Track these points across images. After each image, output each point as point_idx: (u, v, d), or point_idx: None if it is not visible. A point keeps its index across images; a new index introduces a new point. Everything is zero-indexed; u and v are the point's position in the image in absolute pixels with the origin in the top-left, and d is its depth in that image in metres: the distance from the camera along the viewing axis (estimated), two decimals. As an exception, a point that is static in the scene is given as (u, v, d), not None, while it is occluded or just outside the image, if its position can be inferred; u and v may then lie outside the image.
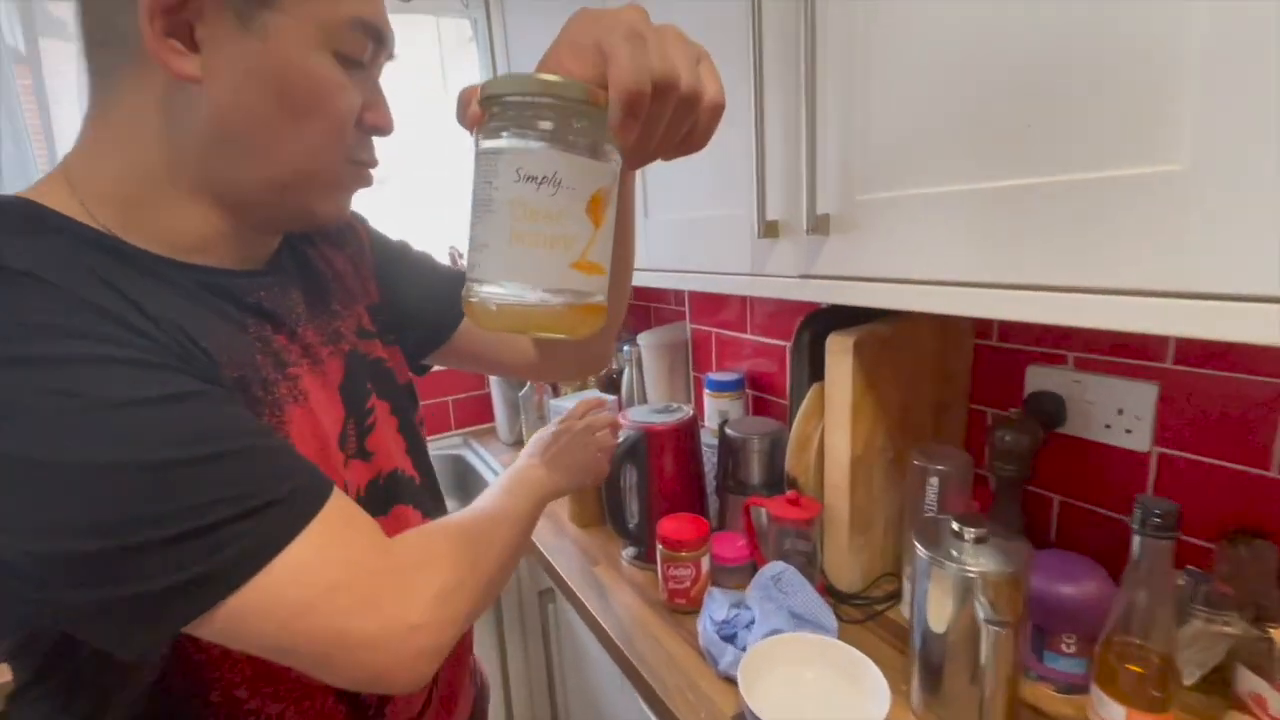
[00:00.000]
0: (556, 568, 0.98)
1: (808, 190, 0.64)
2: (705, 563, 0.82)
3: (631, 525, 0.94)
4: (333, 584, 0.38)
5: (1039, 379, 0.81)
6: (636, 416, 0.94)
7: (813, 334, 0.84)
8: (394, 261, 0.67)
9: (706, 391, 1.09)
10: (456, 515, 0.52)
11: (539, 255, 0.35)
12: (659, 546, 0.83)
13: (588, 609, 0.87)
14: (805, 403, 0.84)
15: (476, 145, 0.36)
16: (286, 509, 0.38)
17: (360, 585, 0.39)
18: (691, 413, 0.95)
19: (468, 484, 1.50)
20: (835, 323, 0.81)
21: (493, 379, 1.55)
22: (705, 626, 0.74)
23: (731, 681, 0.70)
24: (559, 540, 1.06)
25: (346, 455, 0.51)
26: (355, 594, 0.38)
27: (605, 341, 0.72)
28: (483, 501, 0.55)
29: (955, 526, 0.60)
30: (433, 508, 0.62)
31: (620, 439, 0.90)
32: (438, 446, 1.59)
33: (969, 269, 0.53)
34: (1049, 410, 0.78)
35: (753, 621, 0.74)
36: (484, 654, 1.17)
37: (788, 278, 0.73)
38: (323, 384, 0.51)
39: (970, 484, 0.74)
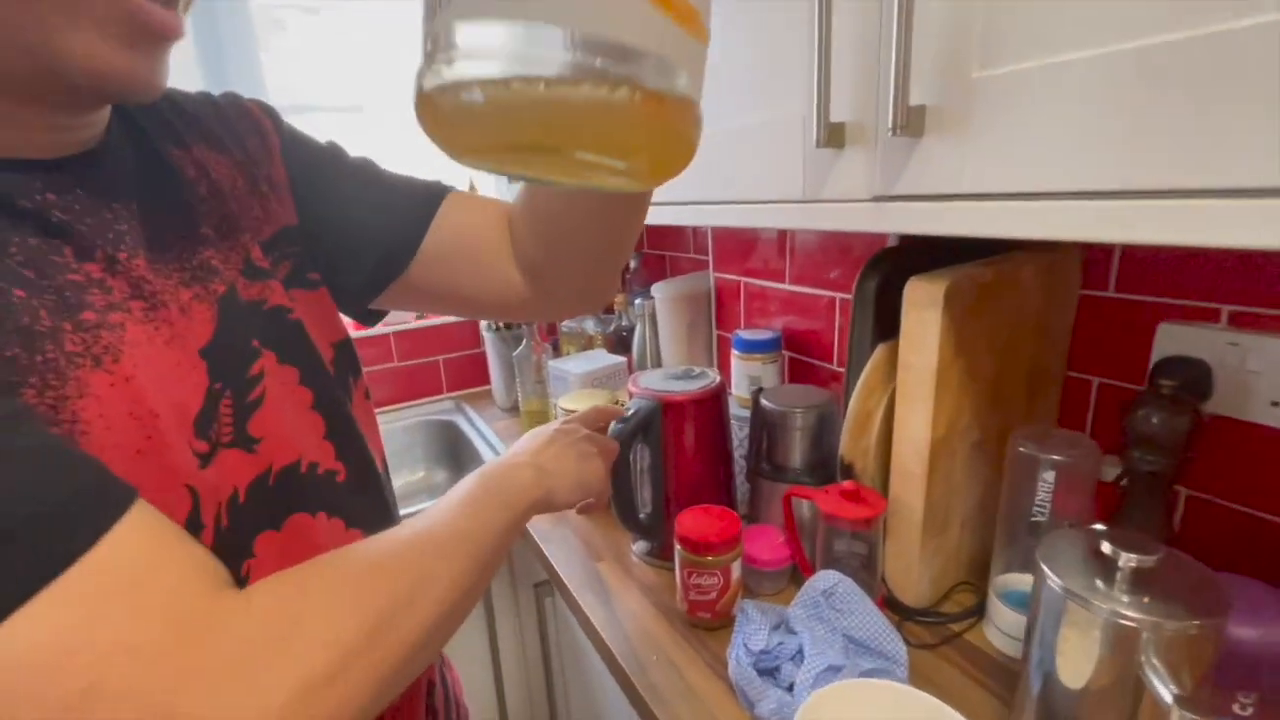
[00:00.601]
0: (553, 562, 0.82)
1: (898, 71, 0.45)
2: (736, 569, 0.65)
3: (643, 516, 0.77)
4: (90, 686, 0.21)
5: (1174, 340, 0.61)
6: (650, 383, 0.76)
7: (883, 280, 0.65)
8: (321, 170, 0.49)
9: (734, 353, 0.91)
10: (383, 537, 0.34)
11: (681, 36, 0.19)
12: (678, 548, 0.66)
13: (589, 619, 0.70)
14: (868, 369, 0.66)
15: None
16: (13, 554, 0.20)
17: (149, 686, 0.22)
18: (719, 379, 0.77)
19: (459, 453, 1.34)
20: (910, 266, 0.62)
21: (486, 335, 1.37)
22: (739, 657, 0.57)
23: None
24: (556, 527, 0.90)
25: (213, 443, 0.34)
26: (137, 703, 0.21)
27: (620, 251, 0.52)
28: (433, 515, 0.38)
29: (1107, 548, 0.42)
30: (368, 513, 0.45)
31: (630, 410, 0.72)
32: (425, 412, 1.43)
33: (1139, 170, 0.34)
34: (1190, 382, 0.59)
35: (800, 651, 0.57)
36: (472, 652, 1.03)
37: (856, 202, 0.54)
38: (169, 339, 0.33)
39: (1095, 481, 0.56)
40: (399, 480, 1.35)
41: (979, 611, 0.66)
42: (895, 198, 0.51)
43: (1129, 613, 0.40)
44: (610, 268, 0.53)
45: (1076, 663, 0.43)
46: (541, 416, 1.15)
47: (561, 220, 0.48)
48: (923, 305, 0.57)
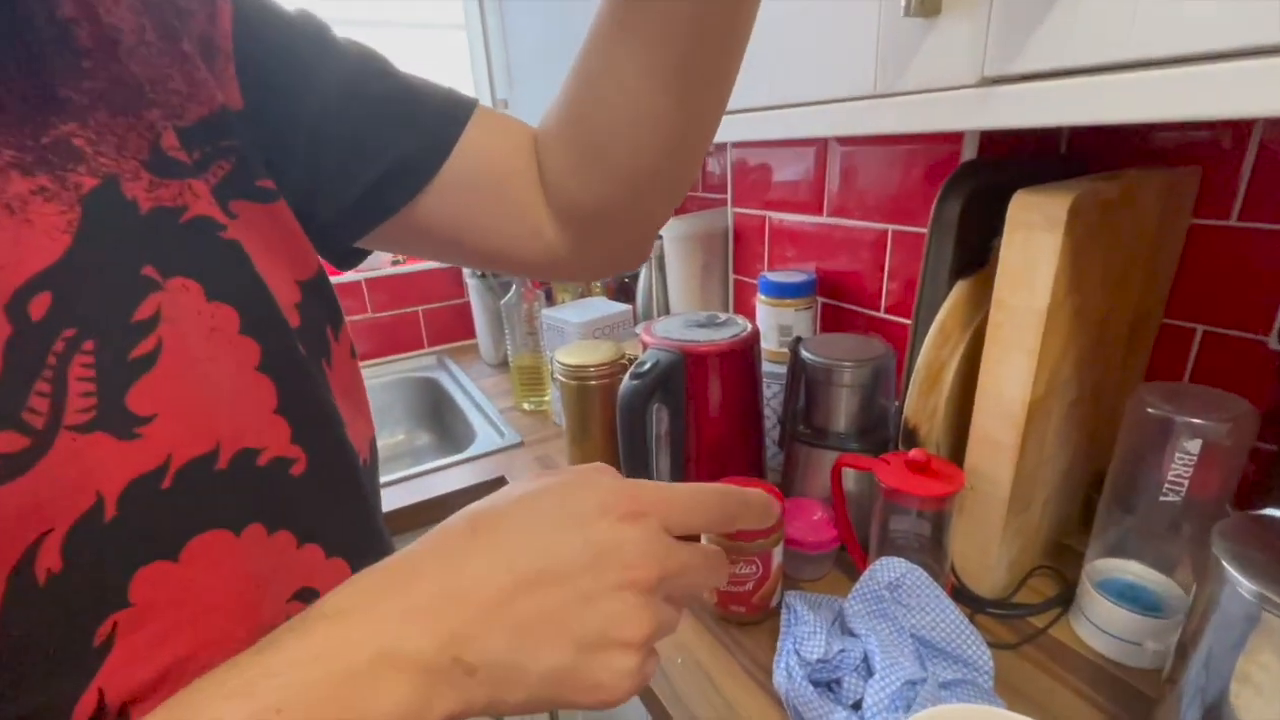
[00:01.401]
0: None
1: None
2: (777, 555, 0.54)
3: (660, 488, 0.65)
4: None
5: None
6: (669, 332, 0.64)
7: (969, 199, 0.52)
8: (293, 47, 0.35)
9: (760, 298, 0.78)
10: None
11: None
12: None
13: None
14: (945, 311, 0.53)
15: None
16: None
17: None
18: (752, 328, 0.64)
19: (442, 413, 1.21)
20: (993, 186, 0.49)
21: (470, 282, 1.23)
22: (789, 668, 0.46)
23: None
24: (555, 499, 0.78)
25: (35, 431, 0.21)
26: None
27: (667, 206, 0.41)
28: None
29: (1326, 547, 0.31)
30: (344, 526, 0.33)
31: (645, 362, 0.60)
32: (405, 368, 1.30)
33: None
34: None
35: (864, 658, 0.46)
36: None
37: (957, 89, 0.41)
38: None
39: (1248, 454, 0.44)
40: (379, 443, 1.23)
41: (1062, 602, 0.55)
42: (1016, 79, 0.38)
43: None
44: (673, 192, 0.40)
45: (1268, 697, 0.32)
46: (535, 373, 1.02)
47: (617, 116, 0.34)
48: (1036, 226, 0.44)
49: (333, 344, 0.35)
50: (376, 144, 0.35)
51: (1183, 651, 0.37)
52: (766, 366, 0.76)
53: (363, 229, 0.38)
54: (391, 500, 0.80)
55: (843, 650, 0.46)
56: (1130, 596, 0.50)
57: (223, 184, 0.30)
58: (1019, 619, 0.55)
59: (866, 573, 0.51)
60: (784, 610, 0.51)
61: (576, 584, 0.23)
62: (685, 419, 0.62)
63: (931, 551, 0.55)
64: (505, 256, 0.40)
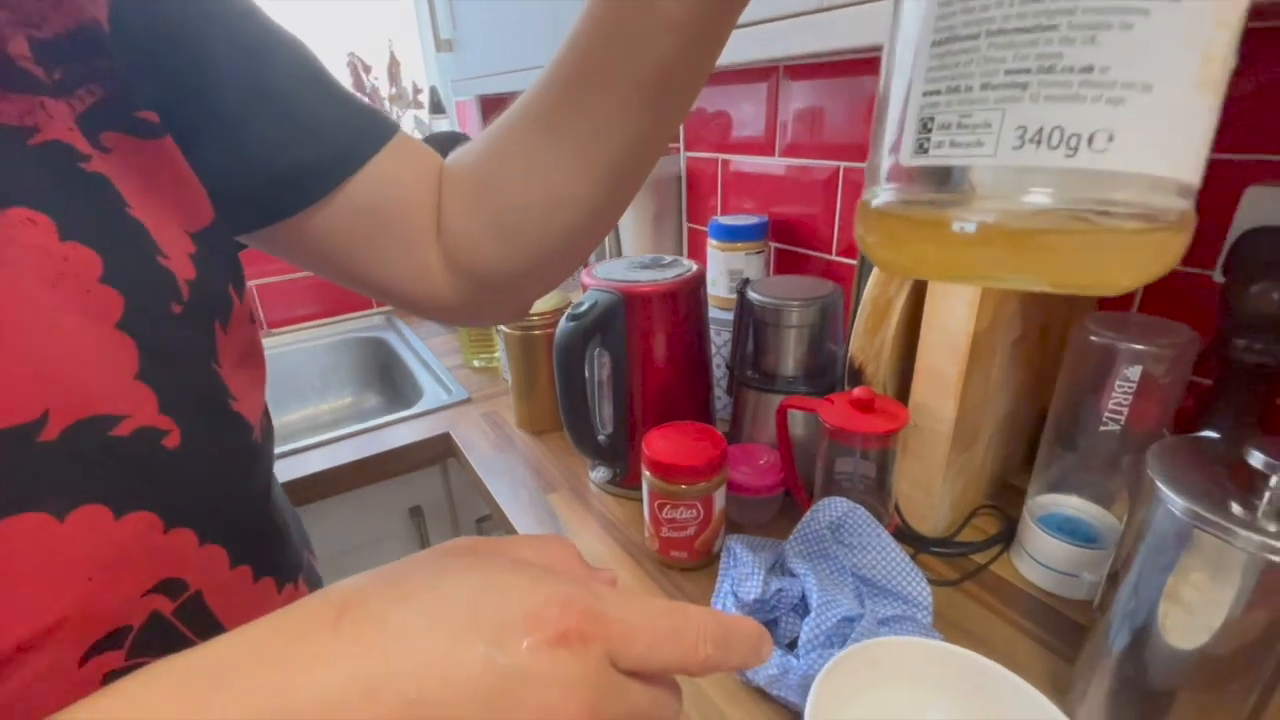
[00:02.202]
0: (496, 495, 0.68)
1: None
2: (719, 499, 0.52)
3: (603, 439, 0.63)
4: None
5: (1264, 208, 0.48)
6: (610, 274, 0.61)
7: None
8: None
9: (711, 243, 0.75)
10: None
11: (1211, 116, 0.14)
12: (647, 475, 0.52)
13: None
14: (890, 244, 0.51)
15: None
16: None
17: None
18: (697, 268, 0.61)
19: (392, 375, 1.17)
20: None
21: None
22: (727, 610, 0.45)
23: (771, 699, 0.42)
24: (501, 454, 0.76)
25: None
26: None
27: (571, 270, 0.39)
28: None
29: (1258, 460, 0.30)
30: (223, 505, 0.30)
31: (583, 304, 0.57)
32: (352, 329, 1.24)
33: None
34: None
35: (802, 599, 0.45)
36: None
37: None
38: None
39: (1188, 381, 0.44)
40: (324, 405, 1.18)
41: (1004, 539, 0.55)
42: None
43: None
44: (581, 257, 0.38)
45: (1198, 615, 0.32)
46: (483, 329, 0.98)
47: (532, 199, 0.33)
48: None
49: (235, 304, 0.31)
50: (280, 136, 0.31)
51: (1114, 578, 0.36)
52: (718, 314, 0.73)
53: (250, 222, 0.34)
54: (327, 460, 0.77)
55: (780, 590, 0.45)
56: (1069, 530, 0.49)
57: (92, 112, 0.26)
58: (961, 557, 0.54)
59: (808, 513, 0.50)
60: (724, 554, 0.50)
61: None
62: (628, 365, 0.59)
63: (876, 493, 0.54)
64: (386, 287, 0.37)
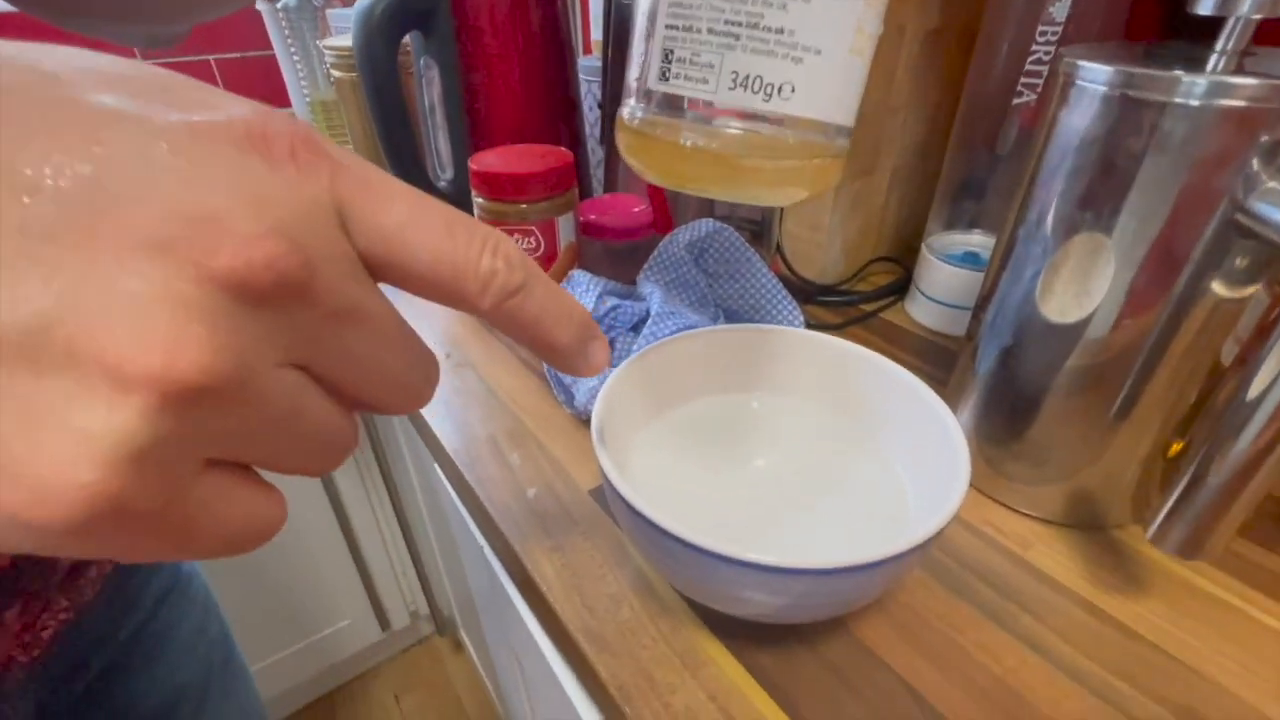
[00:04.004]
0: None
1: None
2: (564, 228, 0.43)
3: (443, 184, 0.51)
4: None
5: None
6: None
7: None
8: None
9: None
10: None
11: (860, 76, 0.20)
12: (475, 196, 0.42)
13: None
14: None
15: None
16: None
17: None
18: (548, -50, 0.48)
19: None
20: None
21: (262, 9, 0.97)
22: (551, 329, 0.37)
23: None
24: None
25: None
26: None
27: None
28: None
29: (1208, 5, 0.21)
30: None
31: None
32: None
33: None
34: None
35: (646, 317, 0.37)
36: (307, 498, 0.80)
37: None
38: None
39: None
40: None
41: (899, 290, 0.48)
42: None
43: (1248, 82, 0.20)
44: None
45: (1076, 286, 0.24)
46: (339, 111, 0.82)
47: None
48: None
49: None
50: None
51: (1018, 217, 0.28)
52: (587, 63, 0.60)
53: None
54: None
55: (616, 307, 0.37)
56: (971, 261, 0.43)
57: None
58: (849, 306, 0.47)
59: (666, 237, 0.41)
60: (564, 284, 0.41)
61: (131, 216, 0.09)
62: (464, 79, 0.47)
63: (759, 237, 0.45)
64: None
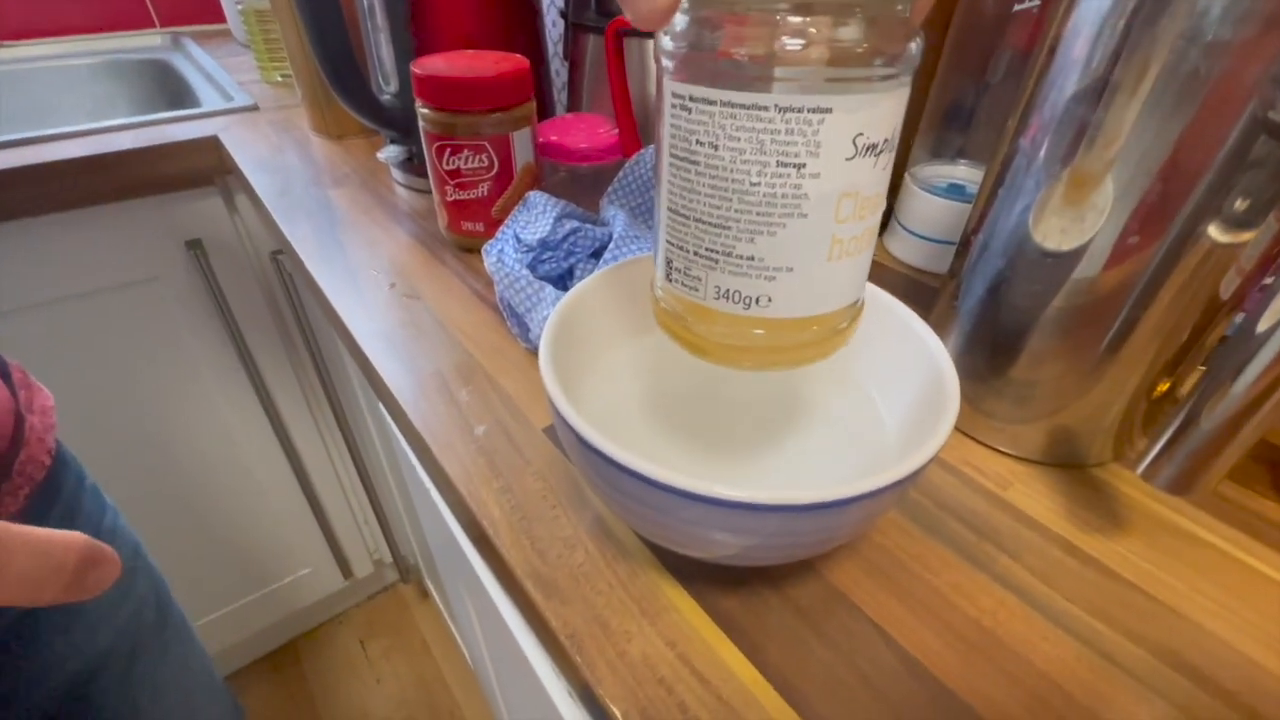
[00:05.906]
0: (259, 191, 0.52)
1: None
2: (521, 144, 0.39)
3: (387, 97, 0.47)
4: None
5: None
6: None
7: None
8: None
9: None
10: None
11: (855, 266, 0.20)
12: (420, 106, 0.38)
13: (315, 282, 0.42)
14: None
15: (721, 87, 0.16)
16: None
17: None
18: None
19: (177, 93, 0.91)
20: None
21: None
22: (502, 253, 0.33)
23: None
24: (280, 155, 0.58)
25: None
26: None
27: None
28: None
29: None
30: None
31: None
32: (123, 49, 0.95)
33: None
34: None
35: (609, 242, 0.34)
36: (260, 451, 0.75)
37: None
38: None
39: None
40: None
41: (880, 226, 0.46)
42: None
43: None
44: None
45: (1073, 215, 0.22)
46: (275, 41, 0.74)
47: None
48: None
49: None
50: None
51: (992, 185, 0.26)
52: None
53: None
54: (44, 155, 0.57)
55: (576, 230, 0.33)
56: (954, 193, 0.40)
57: None
58: (827, 240, 0.45)
59: (629, 161, 0.37)
60: (519, 206, 0.37)
61: None
62: (408, -23, 0.42)
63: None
64: None
